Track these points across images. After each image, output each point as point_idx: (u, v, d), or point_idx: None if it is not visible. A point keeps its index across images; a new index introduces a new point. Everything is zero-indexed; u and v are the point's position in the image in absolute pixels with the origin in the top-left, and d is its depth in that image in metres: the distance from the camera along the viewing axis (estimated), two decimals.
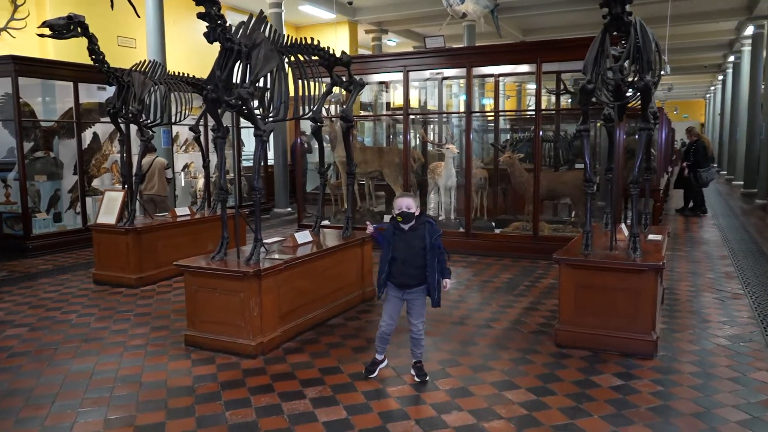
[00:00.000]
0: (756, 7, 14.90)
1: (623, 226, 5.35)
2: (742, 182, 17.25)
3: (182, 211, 7.62)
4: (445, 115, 10.97)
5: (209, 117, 9.62)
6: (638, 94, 4.52)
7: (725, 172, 22.27)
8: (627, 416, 3.46)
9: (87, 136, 9.80)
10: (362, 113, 13.18)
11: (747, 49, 17.88)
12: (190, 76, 7.92)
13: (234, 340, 4.44)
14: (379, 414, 3.52)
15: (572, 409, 3.56)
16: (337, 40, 15.17)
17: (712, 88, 32.94)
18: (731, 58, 21.71)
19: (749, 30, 16.85)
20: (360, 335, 4.99)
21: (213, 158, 9.87)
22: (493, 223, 8.90)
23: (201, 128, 8.49)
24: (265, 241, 5.04)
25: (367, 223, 4.01)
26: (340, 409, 3.58)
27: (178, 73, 7.81)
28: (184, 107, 7.59)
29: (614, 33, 4.43)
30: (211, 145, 10.23)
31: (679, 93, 37.54)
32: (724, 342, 4.76)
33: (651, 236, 5.35)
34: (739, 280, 6.83)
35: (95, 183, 10.01)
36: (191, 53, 12.46)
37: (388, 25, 16.74)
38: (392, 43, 18.94)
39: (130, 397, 3.79)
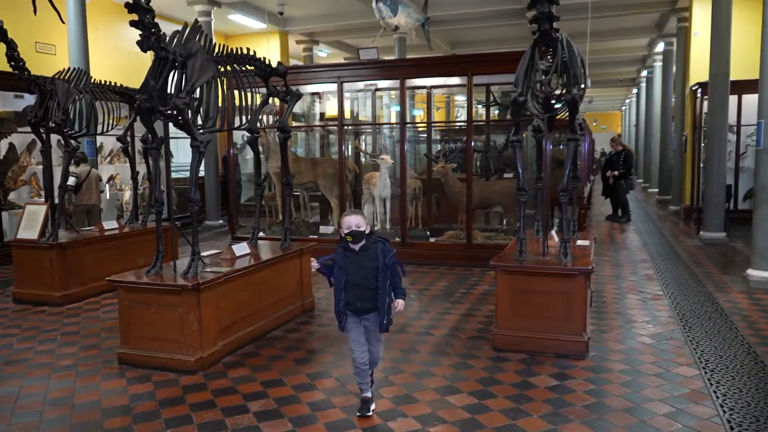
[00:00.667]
0: (666, 25, 15.91)
1: (553, 232, 5.58)
2: (657, 190, 18.28)
3: (110, 224, 7.34)
4: (378, 125, 11.09)
5: (135, 127, 9.38)
6: (566, 106, 4.73)
7: (641, 180, 23.54)
8: (564, 414, 3.61)
9: (3, 146, 9.28)
10: (294, 124, 13.13)
11: (658, 65, 19.04)
12: (117, 84, 7.67)
13: (172, 356, 4.31)
14: (326, 424, 3.51)
15: (512, 410, 3.68)
16: (268, 50, 15.02)
17: (628, 100, 34.83)
18: (644, 73, 23.04)
19: (660, 47, 17.96)
20: (301, 347, 4.96)
21: (141, 169, 9.57)
22: (428, 232, 9.05)
23: (128, 139, 8.20)
24: (201, 254, 4.94)
25: (312, 259, 3.64)
26: (286, 422, 3.55)
27: (105, 81, 7.54)
28: (110, 117, 7.32)
29: (543, 48, 4.64)
30: (138, 156, 9.97)
31: (598, 105, 39.40)
32: (648, 340, 5.04)
33: (579, 242, 5.60)
34: (659, 281, 7.24)
35: (12, 196, 9.48)
36: (116, 61, 12.04)
37: (320, 36, 16.77)
38: (323, 53, 18.96)
39: (62, 420, 3.61)
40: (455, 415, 3.62)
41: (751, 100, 9.88)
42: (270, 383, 4.14)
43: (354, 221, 3.43)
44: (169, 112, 4.31)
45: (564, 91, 4.66)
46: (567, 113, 4.85)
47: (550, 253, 5.00)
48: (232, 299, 4.73)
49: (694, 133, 12.84)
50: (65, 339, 5.22)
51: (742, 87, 10.92)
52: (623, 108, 39.26)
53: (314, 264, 3.62)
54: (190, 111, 4.47)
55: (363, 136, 11.32)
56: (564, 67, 4.62)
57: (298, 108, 12.39)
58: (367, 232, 3.46)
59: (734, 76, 10.00)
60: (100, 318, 5.89)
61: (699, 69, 12.31)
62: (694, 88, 12.69)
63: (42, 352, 4.89)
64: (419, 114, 13.35)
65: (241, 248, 5.36)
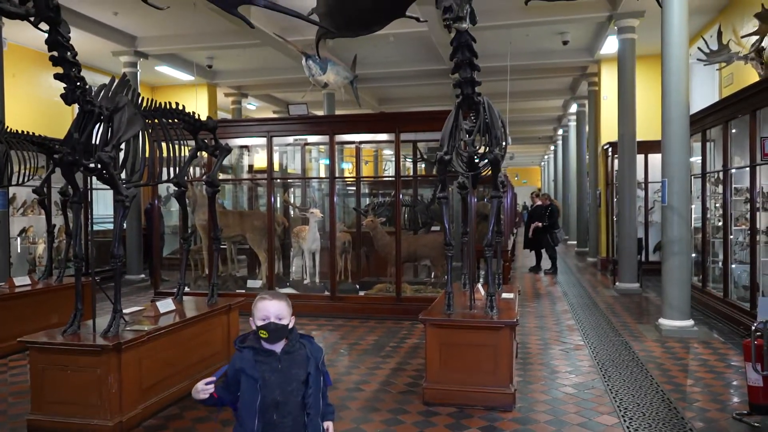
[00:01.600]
0: (578, 88, 17.05)
1: (479, 286, 5.74)
2: (575, 242, 19.13)
3: (22, 280, 6.94)
4: (308, 179, 11.16)
5: (52, 178, 9.03)
6: (489, 165, 4.97)
7: (562, 233, 24.56)
8: None
9: None
10: (221, 176, 12.98)
11: (573, 124, 20.25)
12: (34, 134, 7.40)
13: (88, 421, 4.08)
14: None
15: None
16: (196, 102, 14.94)
17: (546, 156, 36.65)
18: (560, 132, 24.42)
19: (573, 108, 19.15)
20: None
21: (57, 221, 9.15)
22: (358, 286, 9.07)
23: (45, 190, 7.86)
24: (123, 311, 4.76)
25: (201, 385, 2.46)
26: None
27: (21, 131, 7.27)
28: (26, 168, 7.03)
29: (466, 110, 4.88)
30: (54, 208, 9.54)
31: (519, 161, 41.25)
32: (571, 390, 5.20)
33: (504, 295, 5.78)
34: (579, 332, 7.52)
35: None
36: (34, 109, 11.61)
37: (249, 89, 16.85)
38: (252, 106, 19.02)
39: None
40: None
41: (656, 158, 10.65)
42: None
43: (274, 309, 2.42)
44: (93, 165, 4.21)
45: (486, 151, 4.90)
46: (490, 171, 5.08)
47: (476, 306, 5.14)
48: (156, 359, 4.55)
49: (606, 189, 13.65)
50: None
51: (649, 147, 11.75)
52: (542, 163, 41.22)
53: (204, 389, 2.44)
54: (115, 165, 4.38)
55: (293, 189, 11.34)
56: (486, 128, 4.88)
57: (226, 160, 12.32)
58: (291, 325, 2.48)
59: (641, 136, 10.79)
60: (7, 381, 5.49)
61: (609, 129, 13.22)
62: (605, 147, 13.57)
63: None
64: (348, 167, 13.54)
65: (166, 305, 5.19)
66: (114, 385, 4.08)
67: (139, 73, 12.46)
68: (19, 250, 10.83)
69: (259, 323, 2.41)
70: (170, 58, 13.32)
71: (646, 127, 11.50)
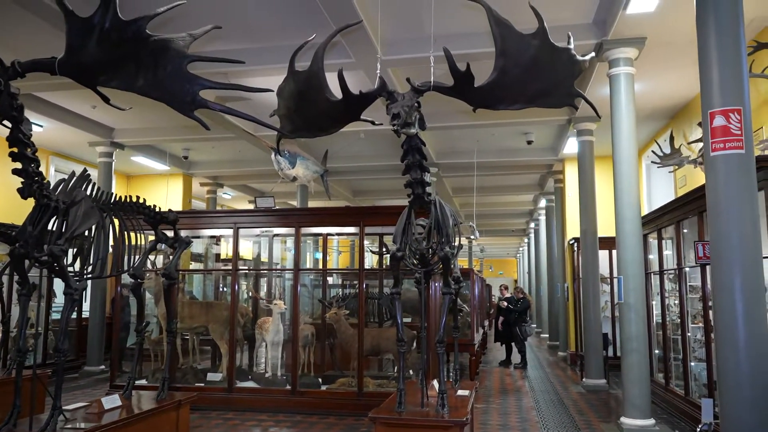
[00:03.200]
0: (546, 184, 17.63)
1: (434, 382, 5.70)
2: (548, 335, 19.09)
3: None
4: (273, 270, 11.19)
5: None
6: (440, 262, 5.09)
7: (535, 325, 24.52)
8: None
9: None
10: (192, 264, 12.97)
11: (543, 218, 20.75)
12: None
13: None
14: None
15: None
16: (170, 191, 15.14)
17: (521, 248, 37.15)
18: (532, 225, 24.94)
19: (542, 203, 19.70)
20: None
21: (15, 312, 8.97)
22: (320, 379, 8.91)
23: (4, 279, 7.79)
24: (66, 407, 4.63)
25: None
26: None
27: None
28: None
29: (417, 209, 5.06)
30: (13, 298, 9.39)
31: (495, 252, 41.79)
32: None
33: (460, 392, 5.73)
34: (542, 430, 7.41)
35: None
36: (2, 196, 11.67)
37: (224, 180, 17.15)
38: (227, 196, 19.27)
39: None
40: None
41: None
42: None
43: None
44: (44, 258, 4.24)
45: (438, 248, 5.03)
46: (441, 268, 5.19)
47: (429, 404, 5.08)
48: None
49: (573, 283, 13.83)
50: None
51: (612, 243, 12.00)
52: (518, 255, 41.73)
53: None
54: (66, 258, 4.42)
55: (259, 279, 11.33)
56: (437, 226, 5.04)
57: (196, 248, 12.35)
58: None
59: (605, 232, 11.09)
60: None
61: (574, 225, 13.55)
62: (570, 242, 13.89)
63: None
64: (319, 258, 13.62)
65: (112, 401, 5.06)
66: None
67: (114, 162, 12.68)
68: None
69: None
70: (146, 148, 13.63)
71: (609, 224, 11.79)
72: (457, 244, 5.40)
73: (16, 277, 7.62)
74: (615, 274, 12.96)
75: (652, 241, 9.66)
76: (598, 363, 10.38)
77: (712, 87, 4.50)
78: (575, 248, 13.46)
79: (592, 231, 10.63)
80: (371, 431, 7.23)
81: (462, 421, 4.62)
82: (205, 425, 7.49)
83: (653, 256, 9.75)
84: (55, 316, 11.93)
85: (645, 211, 10.37)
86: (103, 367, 11.85)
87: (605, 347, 10.75)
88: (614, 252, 12.65)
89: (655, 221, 9.08)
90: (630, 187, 7.55)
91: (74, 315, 12.37)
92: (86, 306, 12.52)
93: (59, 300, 12.23)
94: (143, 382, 8.67)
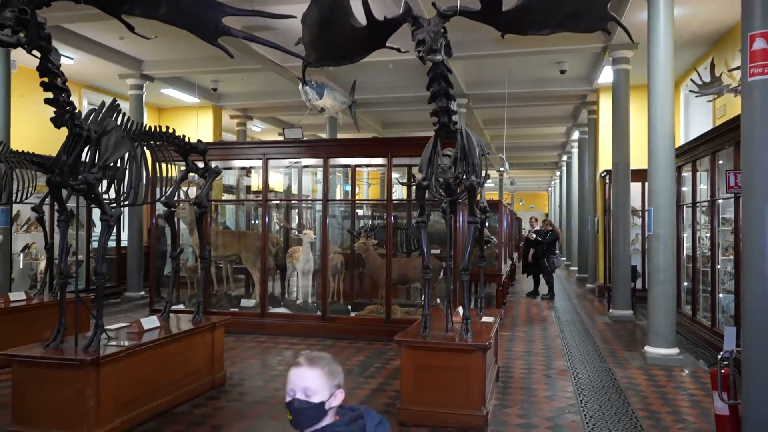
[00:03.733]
0: (579, 116, 17.21)
1: (459, 309, 5.83)
2: (577, 268, 19.13)
3: (17, 295, 7.11)
4: (302, 201, 11.34)
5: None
6: (466, 191, 5.10)
7: (564, 258, 24.55)
8: None
9: None
10: (225, 196, 13.22)
11: (575, 151, 20.36)
12: (35, 153, 7.63)
13: None
14: None
15: None
16: (201, 124, 15.25)
17: (553, 182, 36.71)
18: (565, 158, 24.53)
19: (576, 135, 19.29)
20: (206, 422, 4.91)
21: (57, 239, 9.36)
22: (349, 307, 9.18)
23: (46, 207, 8.08)
24: (109, 327, 4.90)
25: None
26: None
27: (22, 150, 7.50)
28: (26, 186, 7.25)
29: (444, 138, 5.04)
30: (55, 226, 9.76)
31: (526, 186, 41.42)
32: (547, 415, 5.26)
33: (484, 318, 5.87)
34: (566, 358, 7.57)
35: None
36: (40, 129, 11.91)
37: (253, 112, 17.15)
38: (257, 128, 19.33)
39: None
40: None
41: None
42: None
43: (302, 381, 1.84)
44: (79, 186, 4.39)
45: (464, 178, 5.04)
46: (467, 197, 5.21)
47: (453, 329, 5.23)
48: (136, 374, 4.67)
49: (604, 216, 13.71)
50: None
51: (644, 175, 11.81)
52: (549, 189, 41.29)
53: None
54: (102, 185, 4.56)
55: (290, 211, 11.51)
56: (463, 156, 5.03)
57: (228, 180, 12.56)
58: (333, 404, 1.87)
59: (638, 164, 10.86)
60: None
61: (607, 157, 13.30)
62: (602, 175, 13.67)
63: None
64: (347, 190, 13.72)
65: (151, 322, 5.33)
66: (92, 399, 4.21)
67: (144, 95, 12.77)
68: (21, 266, 11.05)
69: (287, 398, 1.84)
70: (176, 81, 13.65)
71: (642, 156, 11.54)
72: (483, 174, 5.39)
73: (56, 206, 7.91)
74: (646, 206, 12.84)
75: (686, 174, 9.44)
76: (626, 294, 10.42)
77: (753, 7, 4.27)
78: (607, 181, 13.26)
79: (625, 163, 10.43)
80: (398, 355, 7.49)
81: (485, 345, 4.76)
82: (240, 347, 7.84)
83: (686, 188, 9.56)
84: (95, 244, 12.40)
85: (680, 143, 10.09)
86: (143, 293, 12.37)
87: (633, 279, 10.75)
88: (646, 184, 12.55)
89: (690, 152, 8.86)
90: (664, 116, 7.33)
91: (113, 244, 12.86)
92: (124, 235, 12.98)
93: (99, 230, 12.69)
94: (180, 307, 9.04)
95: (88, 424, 4.20)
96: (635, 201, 12.03)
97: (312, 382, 1.78)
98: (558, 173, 30.15)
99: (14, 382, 4.40)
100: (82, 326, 5.05)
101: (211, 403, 5.46)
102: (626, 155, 10.44)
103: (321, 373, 1.80)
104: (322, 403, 1.78)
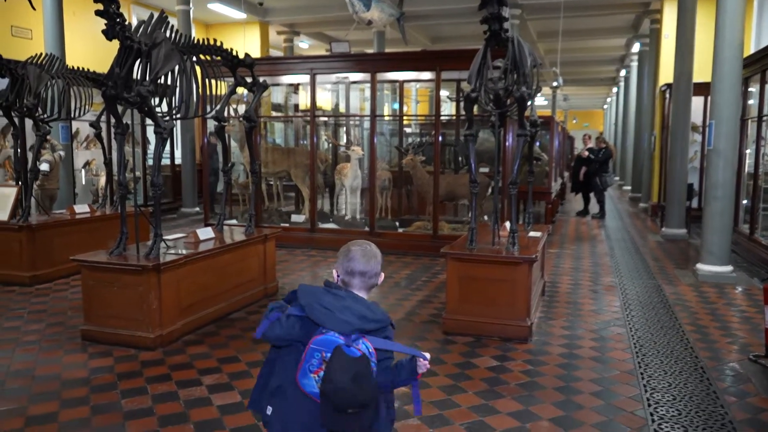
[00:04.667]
0: (640, 26, 16.24)
1: (507, 223, 5.83)
2: (630, 187, 18.67)
3: (81, 208, 7.47)
4: (352, 117, 11.29)
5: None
6: (516, 103, 4.97)
7: (618, 178, 23.95)
8: (497, 391, 3.87)
9: None
10: (273, 113, 13.28)
11: (635, 65, 19.38)
12: (91, 70, 7.78)
13: (132, 333, 4.51)
14: None
15: (450, 387, 3.93)
16: (248, 41, 15.14)
17: (609, 99, 35.27)
18: (623, 72, 23.41)
19: (636, 47, 18.29)
20: None
21: (115, 156, 9.68)
22: (397, 223, 9.29)
23: (102, 124, 8.32)
24: (166, 237, 5.13)
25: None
26: (235, 394, 3.76)
27: (78, 67, 7.66)
28: (83, 102, 7.45)
29: (495, 47, 4.86)
30: (113, 142, 10.07)
31: (580, 103, 39.91)
32: (593, 327, 5.31)
33: (532, 233, 5.86)
34: (614, 274, 7.53)
35: None
36: (93, 46, 12.07)
37: (300, 27, 16.87)
38: (304, 45, 19.06)
39: (22, 390, 3.80)
40: (397, 391, 3.85)
41: None
42: (225, 360, 4.36)
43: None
44: (133, 98, 4.48)
45: (514, 89, 4.89)
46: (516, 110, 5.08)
47: (500, 243, 5.25)
48: (193, 281, 4.92)
49: (662, 133, 13.18)
50: (32, 317, 5.38)
51: (707, 89, 11.21)
52: (605, 106, 39.75)
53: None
54: (154, 98, 4.65)
55: (337, 128, 11.51)
56: (515, 66, 4.86)
57: (276, 98, 12.57)
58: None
59: (701, 77, 10.30)
60: (67, 298, 6.05)
61: (668, 70, 12.62)
62: (663, 89, 13.03)
63: (8, 328, 5.05)
64: (396, 108, 13.55)
65: (206, 232, 5.54)
66: (154, 302, 4.47)
67: (192, 10, 12.68)
68: (83, 182, 11.55)
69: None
70: None
71: (707, 68, 10.92)
72: (535, 86, 5.21)
73: (113, 122, 8.13)
74: (708, 120, 12.24)
75: (753, 90, 8.89)
76: (680, 213, 10.16)
77: None
78: (667, 95, 12.65)
79: (687, 75, 9.90)
80: (444, 270, 7.61)
81: (531, 258, 4.78)
82: (291, 260, 8.11)
83: (753, 102, 9.05)
84: (151, 161, 12.80)
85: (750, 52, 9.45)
86: (197, 209, 12.80)
87: (689, 198, 10.45)
88: (709, 97, 11.92)
89: (759, 62, 8.31)
90: (734, 22, 6.84)
91: (167, 161, 13.23)
92: (178, 153, 13.31)
93: (152, 147, 13.04)
94: (233, 221, 9.33)
95: (152, 324, 4.49)
96: (696, 116, 11.49)
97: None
98: (615, 89, 28.90)
99: (84, 286, 4.71)
100: (141, 236, 5.30)
101: (264, 310, 5.71)
102: (689, 67, 9.89)
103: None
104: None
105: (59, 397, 3.70)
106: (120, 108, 5.04)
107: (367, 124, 10.94)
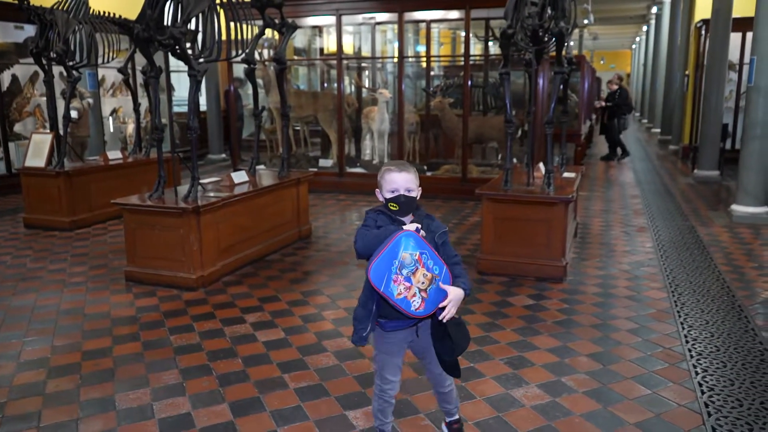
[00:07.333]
0: None
1: (541, 164, 5.77)
2: (659, 130, 18.26)
3: (114, 154, 7.55)
4: (378, 60, 11.10)
5: (136, 59, 9.45)
6: (553, 39, 4.83)
7: (646, 121, 23.42)
8: (535, 328, 3.92)
9: (5, 78, 9.40)
10: (296, 58, 13.11)
11: (668, 1, 18.64)
12: (117, 15, 7.71)
13: (175, 273, 4.62)
14: (315, 333, 3.84)
15: (488, 324, 3.99)
16: None
17: (638, 38, 34.09)
18: (654, 9, 22.53)
19: None
20: (297, 269, 5.26)
21: (143, 102, 9.69)
22: (425, 166, 9.25)
23: (129, 71, 8.30)
24: (201, 180, 5.18)
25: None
26: (279, 331, 3.87)
27: (104, 12, 7.59)
28: (110, 49, 7.41)
29: None
30: (140, 89, 10.07)
31: (607, 43, 38.63)
32: (626, 267, 5.31)
33: (566, 174, 5.80)
34: (646, 216, 7.47)
35: (17, 128, 9.66)
36: None
37: None
38: None
39: (75, 327, 3.95)
40: None
41: None
42: (266, 299, 4.46)
43: (403, 181, 2.28)
44: (166, 41, 4.45)
45: (552, 24, 4.75)
46: (554, 46, 4.95)
47: (535, 184, 5.22)
48: (231, 223, 5.00)
49: (696, 72, 12.78)
50: (75, 260, 5.54)
51: (747, 24, 10.79)
52: (633, 46, 38.48)
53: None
54: (186, 41, 4.61)
55: (364, 71, 11.35)
56: (552, 0, 4.70)
57: (299, 43, 12.39)
58: (418, 197, 2.34)
59: (741, 12, 9.89)
60: (107, 242, 6.20)
61: (705, 6, 12.13)
62: (698, 25, 12.55)
63: (54, 270, 5.21)
64: (422, 50, 13.28)
65: (240, 176, 5.58)
66: (194, 244, 4.56)
67: None
68: (111, 130, 11.62)
69: (389, 195, 2.28)
70: None
71: (746, 3, 10.50)
72: (572, 22, 5.05)
73: (139, 67, 8.10)
74: (746, 59, 11.83)
75: None
76: (714, 154, 9.94)
77: None
78: (702, 32, 12.19)
79: (727, 9, 9.50)
80: (474, 213, 7.62)
81: (567, 198, 4.75)
82: (321, 204, 8.16)
83: None
84: (176, 109, 12.80)
85: None
86: (224, 155, 12.86)
87: (723, 139, 10.21)
88: (749, 34, 11.47)
89: None
90: None
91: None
92: (203, 100, 13.28)
93: (177, 93, 13.02)
94: (262, 167, 9.37)
95: (193, 265, 4.60)
96: (733, 54, 11.10)
97: (411, 182, 2.30)
98: (645, 27, 27.88)
99: (126, 228, 4.81)
100: (177, 180, 5.36)
101: (300, 252, 5.81)
102: (728, 1, 9.48)
103: (414, 176, 2.33)
104: (416, 197, 2.32)
105: (111, 334, 3.84)
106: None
107: (390, 68, 10.77)
